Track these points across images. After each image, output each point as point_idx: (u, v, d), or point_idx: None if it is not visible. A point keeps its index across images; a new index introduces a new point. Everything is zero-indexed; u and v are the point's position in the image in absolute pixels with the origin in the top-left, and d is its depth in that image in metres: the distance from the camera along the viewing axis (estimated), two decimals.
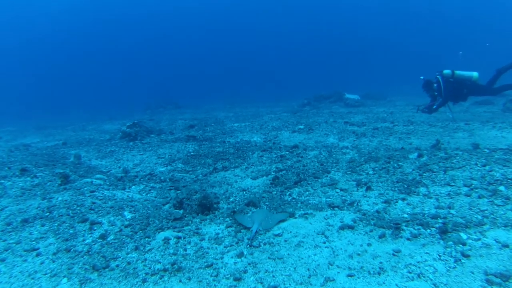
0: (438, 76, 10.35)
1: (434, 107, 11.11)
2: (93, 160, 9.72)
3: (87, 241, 4.34)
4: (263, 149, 9.28)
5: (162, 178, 7.48)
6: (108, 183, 6.91)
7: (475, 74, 10.12)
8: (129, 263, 3.81)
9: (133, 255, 3.99)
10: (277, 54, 79.75)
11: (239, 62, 77.41)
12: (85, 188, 6.35)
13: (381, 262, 3.55)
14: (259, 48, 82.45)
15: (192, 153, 9.44)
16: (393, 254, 3.69)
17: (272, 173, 7.18)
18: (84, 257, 3.95)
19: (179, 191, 6.37)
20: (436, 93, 10.73)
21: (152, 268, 3.71)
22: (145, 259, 3.89)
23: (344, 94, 23.08)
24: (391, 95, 25.17)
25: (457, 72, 10.17)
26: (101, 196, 5.93)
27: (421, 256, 3.58)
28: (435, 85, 10.75)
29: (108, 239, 4.40)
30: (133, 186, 6.83)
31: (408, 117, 13.61)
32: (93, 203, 5.56)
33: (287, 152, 8.71)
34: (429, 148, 8.09)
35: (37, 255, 4.03)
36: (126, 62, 78.54)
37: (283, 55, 79.03)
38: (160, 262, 3.82)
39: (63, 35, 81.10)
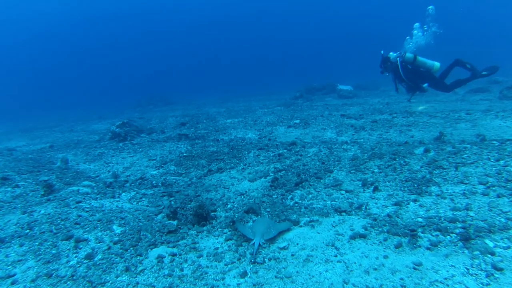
0: (398, 58, 9.71)
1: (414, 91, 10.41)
2: (81, 164, 9.22)
3: (71, 262, 3.89)
4: (259, 147, 8.85)
5: (154, 182, 7.03)
6: (96, 191, 6.45)
7: (436, 64, 9.34)
8: None
9: (124, 279, 3.55)
10: (266, 47, 79.20)
11: (229, 56, 76.83)
12: (71, 198, 5.87)
13: (402, 279, 3.16)
14: (248, 41, 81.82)
15: (184, 154, 8.99)
16: (414, 268, 3.30)
17: (271, 174, 6.77)
18: (68, 283, 3.49)
19: (172, 198, 5.93)
20: (387, 74, 10.07)
21: None
22: (137, 283, 3.46)
23: (337, 85, 22.67)
24: (384, 85, 24.81)
25: (420, 58, 9.45)
26: (88, 208, 5.47)
27: (447, 271, 3.19)
28: (391, 64, 9.97)
29: (95, 259, 3.96)
30: (123, 193, 6.37)
31: (405, 108, 13.27)
32: (79, 216, 5.10)
33: (285, 150, 8.30)
34: (432, 141, 7.73)
35: (13, 283, 3.55)
36: (115, 58, 77.49)
37: (272, 47, 78.49)
38: (154, 287, 3.39)
39: (49, 33, 79.67)
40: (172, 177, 7.28)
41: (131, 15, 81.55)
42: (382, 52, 9.89)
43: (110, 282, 3.50)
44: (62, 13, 77.36)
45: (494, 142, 6.94)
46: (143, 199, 6.01)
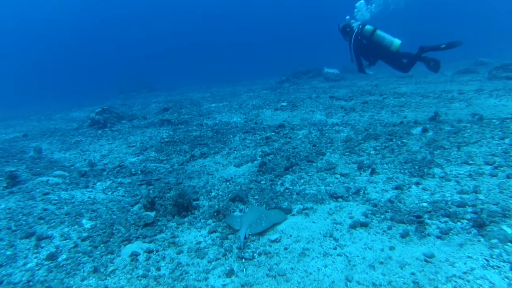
0: (356, 29, 8.94)
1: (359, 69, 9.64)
2: (55, 153, 8.61)
3: (29, 265, 3.34)
4: (245, 130, 8.35)
5: (132, 170, 6.50)
6: (68, 181, 5.88)
7: (396, 41, 8.45)
8: None
9: (90, 282, 3.04)
10: (251, 32, 78.14)
11: (214, 42, 75.68)
12: (38, 190, 5.28)
13: (413, 274, 2.73)
14: (233, 27, 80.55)
15: (166, 139, 8.44)
16: (426, 261, 2.87)
17: (258, 158, 6.29)
18: None
19: (151, 187, 5.41)
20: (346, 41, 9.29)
21: None
22: (106, 287, 2.95)
23: (323, 69, 22.25)
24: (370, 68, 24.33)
25: (379, 32, 8.54)
26: (56, 200, 4.90)
27: (465, 263, 2.76)
28: (349, 31, 9.01)
29: (59, 259, 3.42)
30: (98, 183, 5.82)
31: (394, 89, 12.87)
32: (45, 209, 4.53)
33: (273, 133, 7.81)
34: (427, 121, 7.32)
35: None
36: (98, 46, 75.52)
37: (257, 33, 77.46)
38: None
39: (28, 19, 77.05)
40: (152, 164, 6.76)
41: (113, 1, 79.19)
42: (347, 17, 9.12)
43: (74, 286, 2.98)
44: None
45: (494, 120, 6.56)
46: (119, 188, 5.47)
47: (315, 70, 22.94)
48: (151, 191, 5.07)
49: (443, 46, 8.27)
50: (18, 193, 5.17)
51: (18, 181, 5.65)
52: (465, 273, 2.65)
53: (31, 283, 3.04)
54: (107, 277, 3.10)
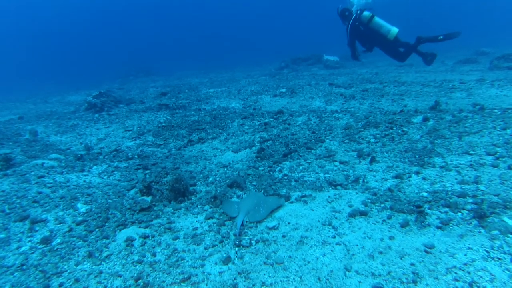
0: (353, 15, 8.76)
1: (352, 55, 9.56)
2: (51, 136, 8.51)
3: (23, 248, 3.29)
4: (243, 116, 8.26)
5: (129, 154, 6.43)
6: (63, 165, 5.80)
7: (394, 29, 8.25)
8: (77, 280, 2.82)
9: (85, 267, 2.99)
10: (250, 18, 77.36)
11: (212, 28, 74.93)
12: (32, 173, 5.21)
13: (413, 264, 2.69)
14: (232, 12, 79.71)
15: (163, 124, 8.35)
16: (426, 251, 2.83)
17: (257, 144, 6.22)
18: (15, 274, 2.91)
19: (148, 171, 5.35)
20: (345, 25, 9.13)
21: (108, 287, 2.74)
22: (100, 272, 2.90)
23: (323, 56, 22.05)
24: (371, 56, 24.10)
25: (376, 19, 8.35)
26: (51, 183, 4.83)
27: (465, 254, 2.72)
28: (348, 16, 8.81)
29: (53, 243, 3.37)
30: (94, 167, 5.75)
31: (394, 78, 12.76)
32: (39, 193, 4.46)
33: (272, 119, 7.72)
34: (428, 110, 7.25)
35: None
36: (96, 31, 74.63)
37: (256, 19, 76.71)
38: (120, 276, 2.84)
39: (33, 6, 75.92)
40: (149, 149, 6.68)
41: None
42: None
43: (68, 271, 2.94)
44: None
45: (496, 110, 6.49)
46: (115, 172, 5.40)
47: (314, 57, 22.75)
48: (147, 176, 5.00)
49: (441, 37, 8.16)
50: (13, 176, 5.10)
51: (12, 163, 5.57)
52: (465, 264, 2.61)
53: (24, 266, 3.00)
54: (102, 262, 3.05)
